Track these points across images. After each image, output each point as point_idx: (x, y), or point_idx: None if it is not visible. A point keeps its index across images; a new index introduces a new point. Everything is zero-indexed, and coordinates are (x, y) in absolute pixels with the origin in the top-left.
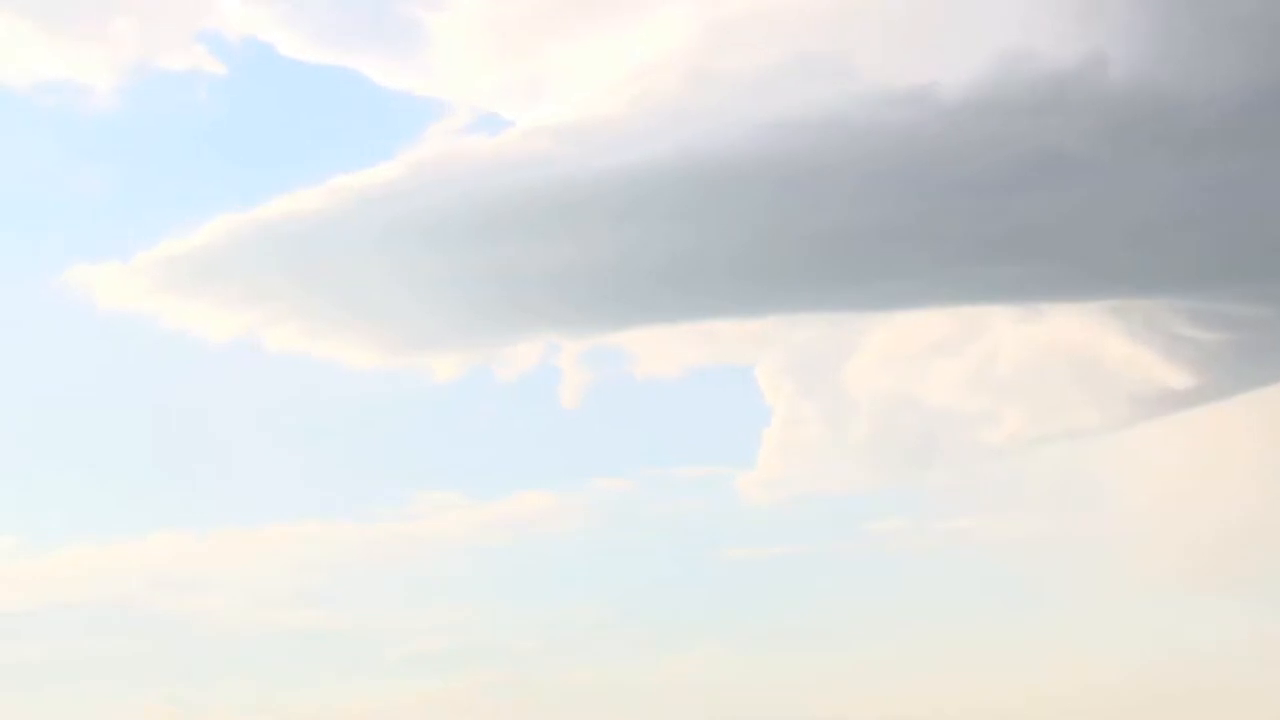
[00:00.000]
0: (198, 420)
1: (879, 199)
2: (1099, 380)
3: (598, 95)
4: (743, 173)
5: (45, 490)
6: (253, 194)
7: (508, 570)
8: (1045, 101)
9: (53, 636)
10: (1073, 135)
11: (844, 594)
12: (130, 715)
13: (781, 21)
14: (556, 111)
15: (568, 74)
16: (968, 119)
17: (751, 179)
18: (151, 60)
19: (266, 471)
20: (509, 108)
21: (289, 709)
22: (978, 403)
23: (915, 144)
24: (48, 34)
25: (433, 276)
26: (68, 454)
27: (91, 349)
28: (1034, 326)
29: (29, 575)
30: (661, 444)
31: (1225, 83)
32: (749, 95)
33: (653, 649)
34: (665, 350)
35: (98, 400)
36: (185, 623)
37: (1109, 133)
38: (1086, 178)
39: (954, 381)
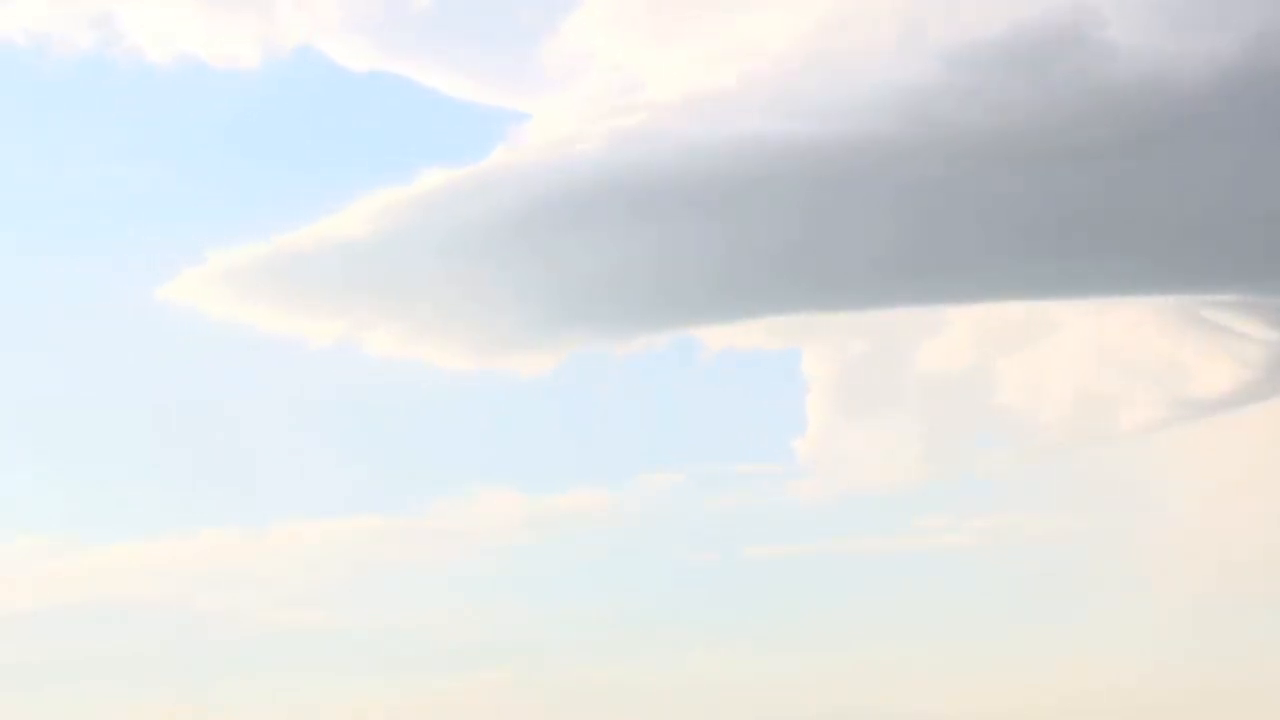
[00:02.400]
0: (270, 420)
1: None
2: (1156, 376)
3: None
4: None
5: (140, 487)
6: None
7: (554, 566)
8: None
9: (93, 633)
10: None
11: (886, 591)
12: (171, 713)
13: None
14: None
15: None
16: None
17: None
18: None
19: (328, 470)
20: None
21: (310, 707)
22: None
23: None
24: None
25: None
26: (172, 453)
27: (190, 354)
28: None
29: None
30: (719, 438)
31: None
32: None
33: (685, 648)
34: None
35: (191, 403)
36: (226, 619)
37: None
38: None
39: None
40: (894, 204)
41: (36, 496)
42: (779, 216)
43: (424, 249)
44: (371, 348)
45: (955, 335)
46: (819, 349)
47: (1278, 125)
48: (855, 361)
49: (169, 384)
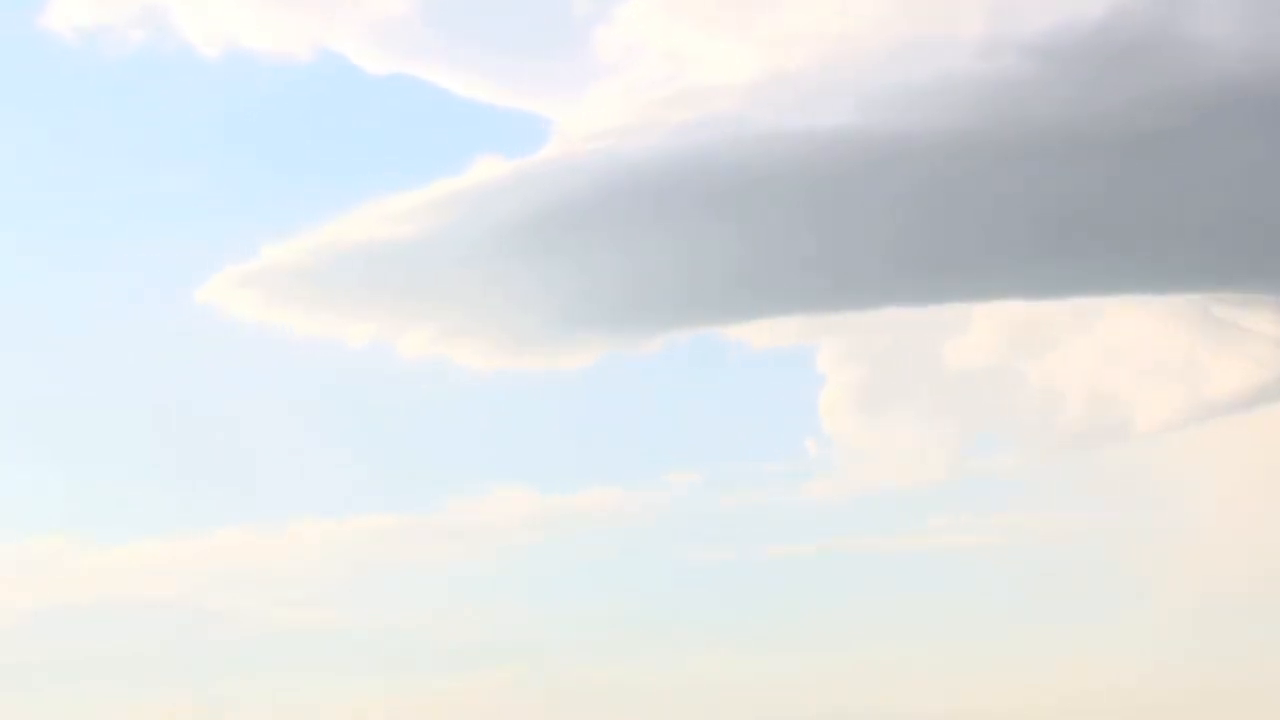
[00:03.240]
0: (292, 420)
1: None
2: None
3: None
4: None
5: (154, 487)
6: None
7: (566, 565)
8: None
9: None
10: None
11: (904, 589)
12: (174, 713)
13: None
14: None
15: None
16: None
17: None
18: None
19: (346, 469)
20: None
21: (315, 706)
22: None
23: None
24: None
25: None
26: (190, 453)
27: (227, 356)
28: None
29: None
30: (737, 437)
31: None
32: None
33: (697, 647)
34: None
35: (217, 403)
36: (232, 618)
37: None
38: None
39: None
40: (894, 203)
41: (63, 495)
42: (811, 213)
43: (461, 247)
44: (405, 348)
45: (974, 333)
46: (836, 346)
47: None
48: (874, 359)
49: (198, 384)
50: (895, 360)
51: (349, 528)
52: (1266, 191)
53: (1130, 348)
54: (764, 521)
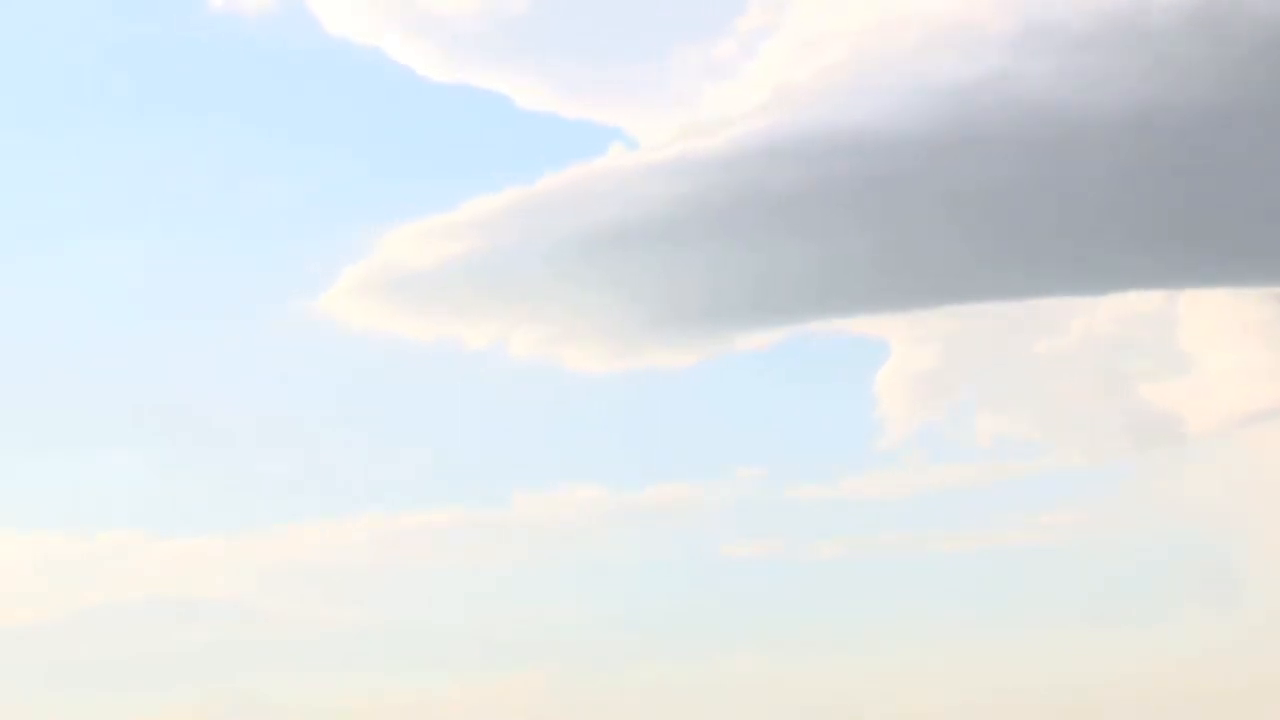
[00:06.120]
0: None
1: None
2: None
3: None
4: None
5: (225, 485)
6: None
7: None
8: None
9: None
10: None
11: (964, 587)
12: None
13: None
14: None
15: None
16: None
17: None
18: None
19: (430, 464)
20: None
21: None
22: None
23: None
24: None
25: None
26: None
27: (347, 364)
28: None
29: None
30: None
31: None
32: None
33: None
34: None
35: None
36: (281, 615)
37: None
38: None
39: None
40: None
41: (138, 491)
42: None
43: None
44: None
45: (1047, 331)
46: (910, 342)
47: None
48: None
49: (297, 385)
50: (975, 355)
51: (409, 522)
52: None
53: (1214, 341)
54: (829, 516)
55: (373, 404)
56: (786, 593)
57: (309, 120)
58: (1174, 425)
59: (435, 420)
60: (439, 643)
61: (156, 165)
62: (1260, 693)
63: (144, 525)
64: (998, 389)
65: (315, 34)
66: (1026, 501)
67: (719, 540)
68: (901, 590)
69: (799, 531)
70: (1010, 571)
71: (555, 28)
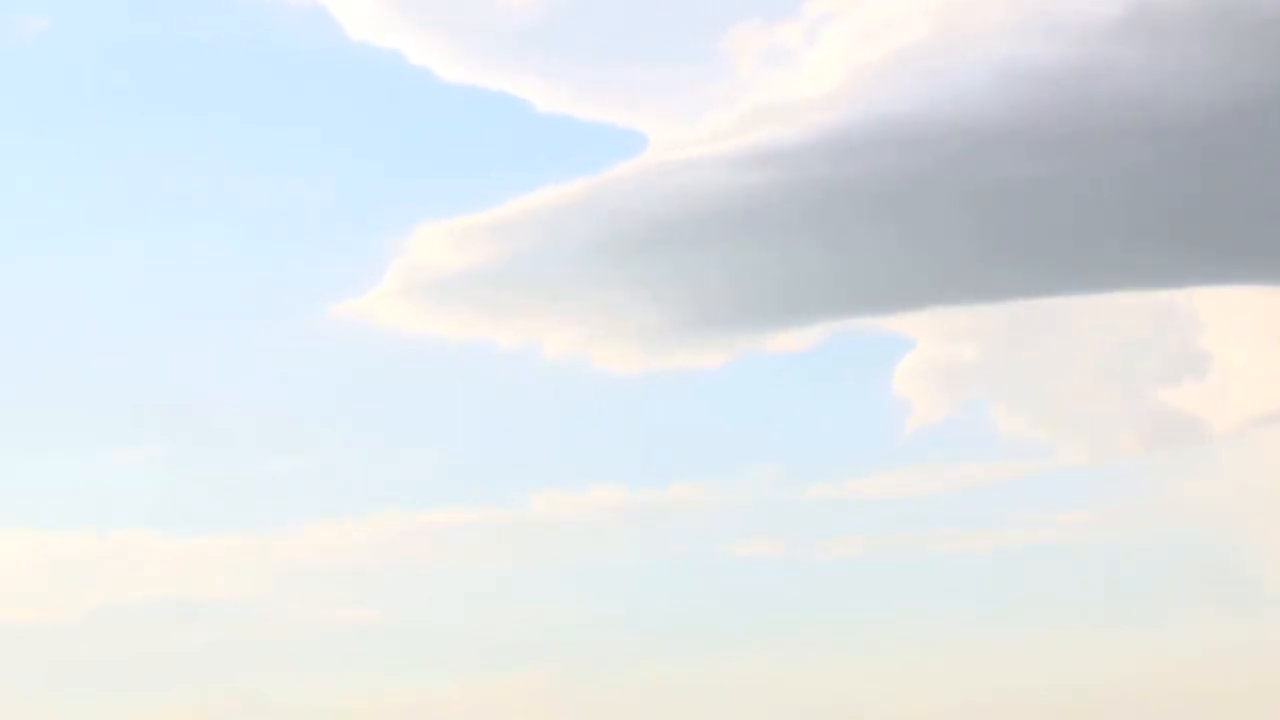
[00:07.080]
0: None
1: None
2: None
3: None
4: None
5: (245, 482)
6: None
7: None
8: None
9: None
10: None
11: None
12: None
13: None
14: None
15: None
16: None
17: None
18: None
19: (450, 464)
20: None
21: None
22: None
23: None
24: None
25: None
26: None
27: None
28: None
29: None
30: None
31: None
32: None
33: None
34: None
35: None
36: (290, 614)
37: None
38: None
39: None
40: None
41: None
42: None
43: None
44: (550, 349)
45: (1065, 328)
46: (933, 340)
47: None
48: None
49: (321, 387)
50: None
51: (420, 522)
52: None
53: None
54: (837, 515)
55: (398, 404)
56: (790, 592)
57: (331, 122)
58: (1193, 426)
59: (460, 421)
60: (440, 642)
61: (181, 165)
62: (1271, 695)
63: (157, 525)
64: (1033, 386)
65: (337, 36)
66: (1043, 501)
67: (725, 540)
68: (909, 590)
69: (808, 531)
70: (1023, 572)
71: (581, 30)
